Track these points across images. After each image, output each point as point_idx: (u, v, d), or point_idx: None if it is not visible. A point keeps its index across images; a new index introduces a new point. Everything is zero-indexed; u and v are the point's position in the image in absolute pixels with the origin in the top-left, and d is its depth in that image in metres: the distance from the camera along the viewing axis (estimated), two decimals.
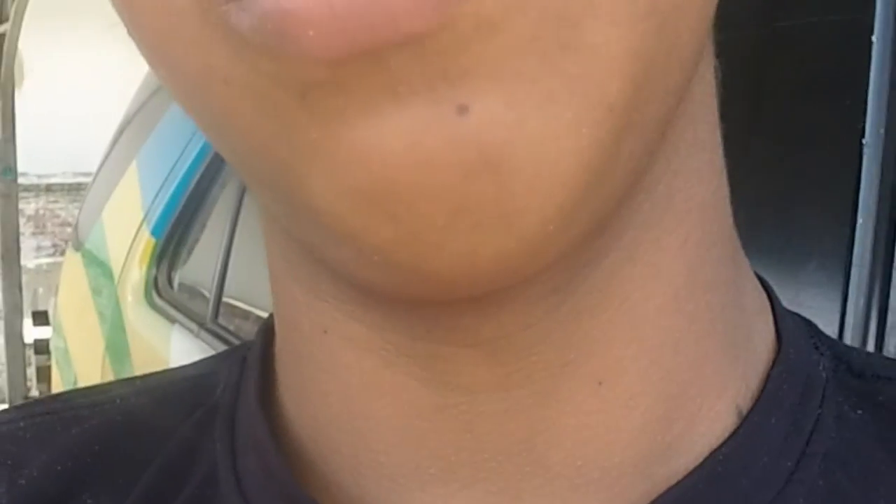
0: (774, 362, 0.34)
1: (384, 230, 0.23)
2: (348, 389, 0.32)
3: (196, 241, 2.48)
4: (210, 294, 2.20)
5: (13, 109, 5.58)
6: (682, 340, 0.31)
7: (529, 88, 0.21)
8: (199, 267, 2.42)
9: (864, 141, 0.84)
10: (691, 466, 0.31)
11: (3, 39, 5.27)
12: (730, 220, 0.33)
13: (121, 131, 3.26)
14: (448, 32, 0.21)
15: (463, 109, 0.21)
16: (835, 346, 0.37)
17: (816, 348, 0.36)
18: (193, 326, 2.15)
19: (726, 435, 0.32)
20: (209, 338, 2.02)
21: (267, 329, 0.39)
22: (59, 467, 0.38)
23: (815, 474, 0.32)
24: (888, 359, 0.39)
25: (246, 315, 2.04)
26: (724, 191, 0.33)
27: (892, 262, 0.81)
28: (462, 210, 0.22)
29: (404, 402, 0.31)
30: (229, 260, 2.12)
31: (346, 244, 0.24)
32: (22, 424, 0.40)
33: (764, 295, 0.36)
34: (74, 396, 0.42)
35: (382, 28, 0.20)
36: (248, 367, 0.39)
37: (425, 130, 0.21)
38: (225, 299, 2.14)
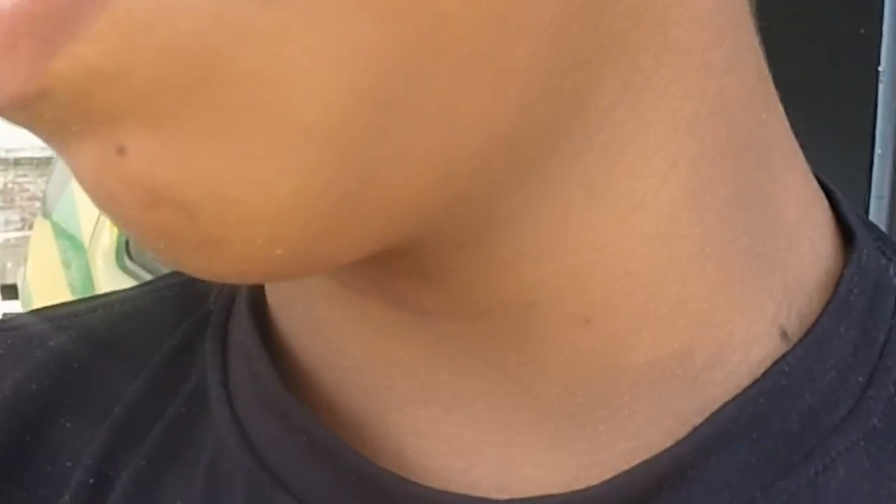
0: (846, 265, 0.31)
1: (131, 238, 0.24)
2: (307, 299, 0.31)
3: None
4: None
5: None
6: (691, 268, 0.28)
7: (181, 126, 0.21)
8: None
9: (880, 69, 0.81)
10: (729, 397, 0.29)
11: None
12: (752, 121, 0.29)
13: None
14: (64, 86, 0.20)
15: (122, 150, 0.21)
16: None
17: (883, 252, 0.33)
18: None
19: (769, 360, 0.29)
20: None
21: None
22: (33, 386, 0.35)
23: (890, 391, 0.29)
24: None
25: None
26: (740, 90, 0.28)
27: None
28: (167, 236, 0.22)
29: (361, 313, 0.30)
30: None
31: None
32: None
33: (819, 196, 0.32)
34: (51, 308, 0.40)
35: None
36: None
37: (101, 168, 0.21)
38: None
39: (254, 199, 0.21)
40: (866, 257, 0.31)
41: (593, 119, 0.25)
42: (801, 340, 0.29)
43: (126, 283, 2.37)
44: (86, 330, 0.37)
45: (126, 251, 2.47)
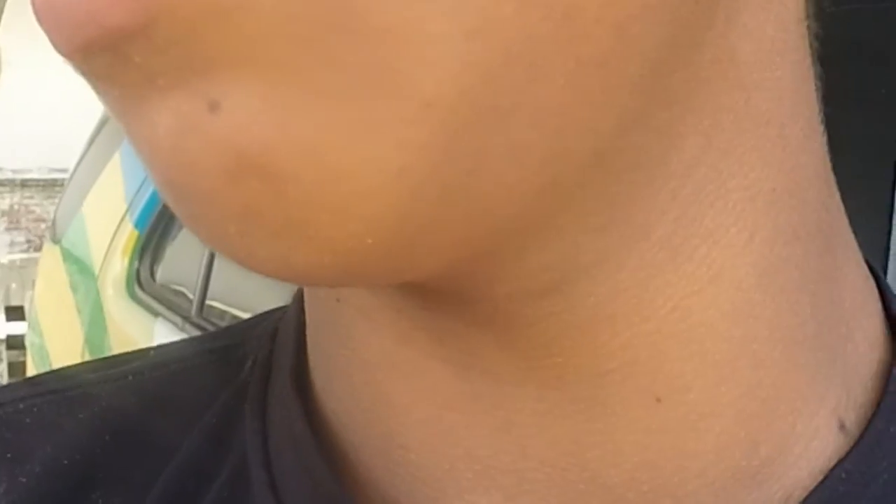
0: (894, 361, 0.30)
1: (195, 228, 0.21)
2: (367, 369, 0.29)
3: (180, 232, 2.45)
4: (188, 291, 2.16)
5: None
6: (761, 352, 0.27)
7: (293, 81, 0.19)
8: (177, 264, 2.39)
9: None
10: (791, 492, 0.28)
11: None
12: (820, 204, 0.28)
13: (102, 124, 3.22)
14: (169, 21, 0.18)
15: (214, 105, 0.19)
16: None
17: None
18: (178, 320, 2.10)
19: (828, 453, 0.28)
20: (194, 332, 1.98)
21: (301, 295, 0.34)
22: (65, 461, 0.34)
23: None
24: None
25: (222, 315, 2.00)
26: (811, 170, 0.28)
27: None
28: (247, 217, 0.20)
29: (427, 386, 0.28)
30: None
31: None
32: (21, 406, 0.35)
33: (871, 283, 0.32)
34: (79, 371, 0.38)
35: (87, 26, 0.19)
36: (279, 340, 0.34)
37: (185, 129, 0.19)
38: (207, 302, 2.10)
39: (358, 174, 0.19)
40: None
41: (677, 171, 0.25)
42: (857, 443, 0.28)
43: (136, 311, 2.37)
44: (117, 399, 0.35)
45: (136, 280, 2.47)
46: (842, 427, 0.29)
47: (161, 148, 0.20)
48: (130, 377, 0.36)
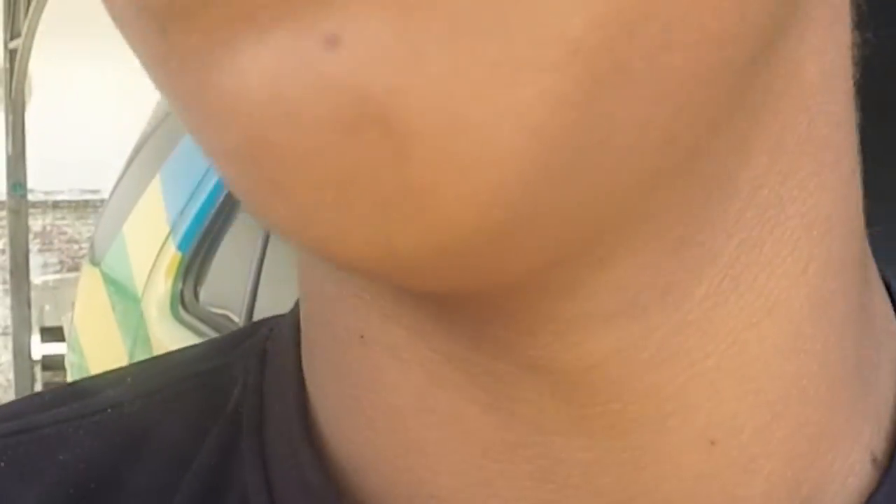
0: None
1: (276, 204, 0.18)
2: (396, 414, 0.27)
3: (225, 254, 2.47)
4: (233, 314, 2.17)
5: (24, 126, 5.58)
6: (810, 388, 0.26)
7: (426, 14, 0.16)
8: (220, 286, 2.39)
9: None
10: None
11: (16, 55, 5.27)
12: (861, 234, 0.28)
13: (139, 146, 3.25)
14: None
15: (333, 41, 0.16)
16: None
17: None
18: None
19: (862, 489, 0.28)
20: None
21: (295, 321, 0.31)
22: None
23: None
24: None
25: None
26: (855, 199, 0.27)
27: None
28: (353, 182, 0.17)
29: (465, 433, 0.26)
30: (262, 271, 2.09)
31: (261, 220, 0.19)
32: None
33: (888, 302, 0.31)
34: (51, 402, 0.34)
35: None
36: (271, 367, 0.32)
37: (291, 70, 0.16)
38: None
39: (493, 129, 0.17)
40: None
41: (743, 191, 0.24)
42: (886, 473, 0.28)
43: (181, 332, 2.38)
44: (98, 438, 0.32)
45: (181, 302, 2.48)
46: (874, 461, 0.28)
47: (251, 100, 0.17)
48: (109, 410, 0.33)
